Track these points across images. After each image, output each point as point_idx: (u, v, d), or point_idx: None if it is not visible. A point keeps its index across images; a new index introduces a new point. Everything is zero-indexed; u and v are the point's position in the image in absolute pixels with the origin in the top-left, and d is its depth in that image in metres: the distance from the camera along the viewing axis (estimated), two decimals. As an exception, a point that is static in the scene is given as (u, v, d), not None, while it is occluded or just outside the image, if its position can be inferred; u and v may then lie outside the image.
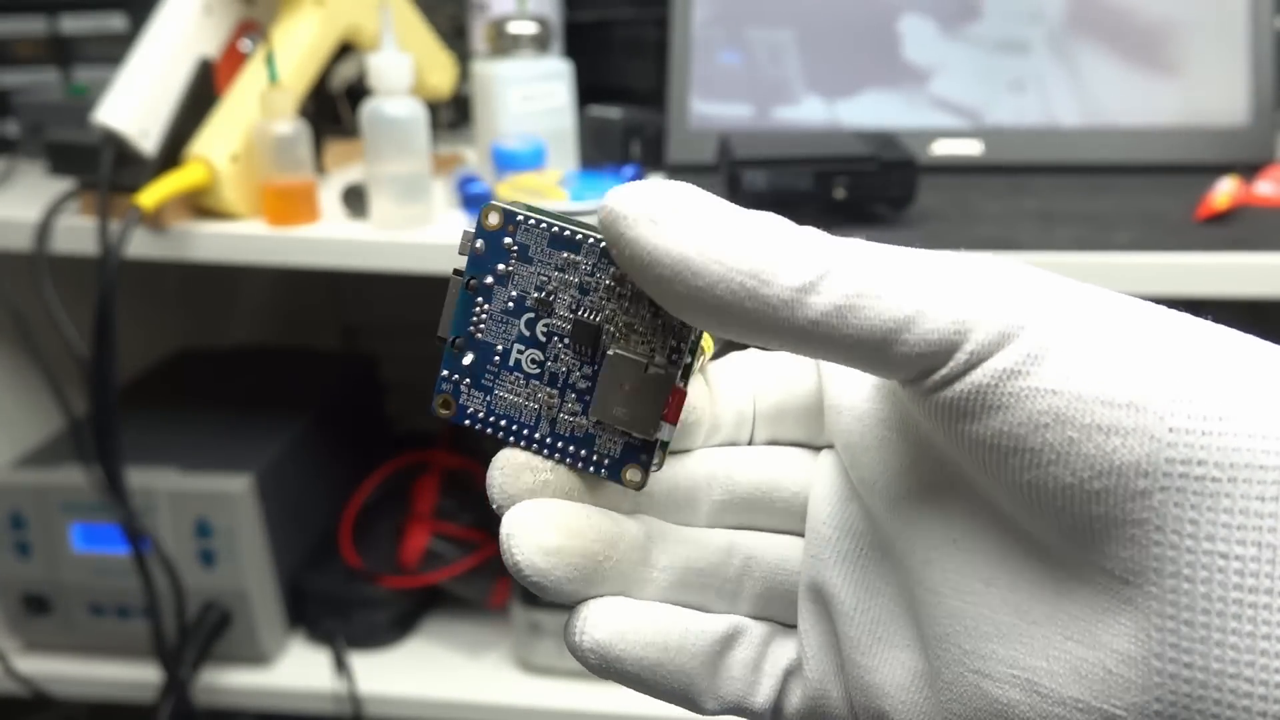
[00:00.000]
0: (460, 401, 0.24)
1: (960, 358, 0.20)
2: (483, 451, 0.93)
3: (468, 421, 0.24)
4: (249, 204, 0.77)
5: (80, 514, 0.84)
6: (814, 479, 0.25)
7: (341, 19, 0.81)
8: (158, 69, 0.75)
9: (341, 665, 0.86)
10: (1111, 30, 0.86)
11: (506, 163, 0.76)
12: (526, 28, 0.80)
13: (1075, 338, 0.19)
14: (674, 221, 0.20)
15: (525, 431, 0.24)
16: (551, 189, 0.71)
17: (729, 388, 0.26)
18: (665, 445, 0.24)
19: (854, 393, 0.24)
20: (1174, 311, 0.20)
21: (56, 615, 0.87)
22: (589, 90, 0.88)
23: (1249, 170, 0.78)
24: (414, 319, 0.72)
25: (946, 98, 0.88)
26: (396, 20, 0.77)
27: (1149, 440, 0.18)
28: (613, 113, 0.88)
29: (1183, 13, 0.85)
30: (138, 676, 0.86)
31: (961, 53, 0.87)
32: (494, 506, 0.24)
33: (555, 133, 0.80)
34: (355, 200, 0.77)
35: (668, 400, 0.23)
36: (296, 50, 0.78)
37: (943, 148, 0.87)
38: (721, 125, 0.88)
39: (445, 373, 0.24)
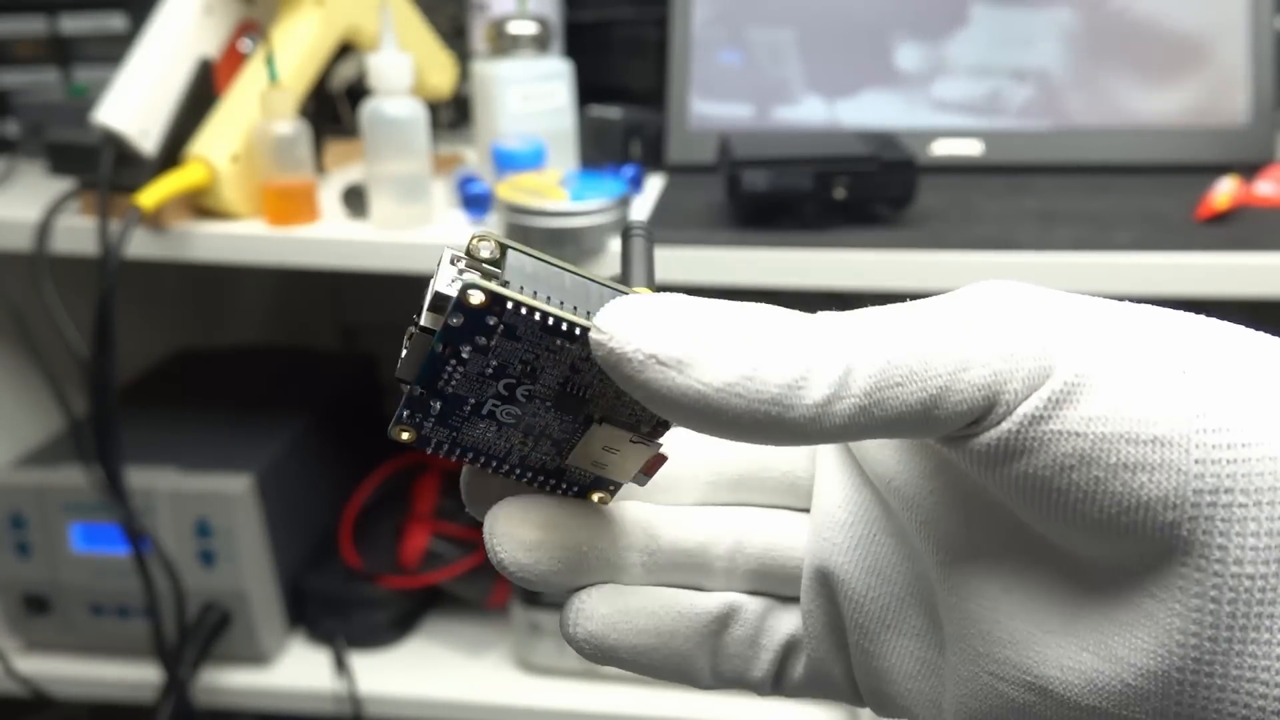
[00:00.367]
0: (423, 434, 0.22)
1: (991, 418, 0.19)
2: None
3: (430, 450, 0.23)
4: (249, 204, 0.77)
5: (80, 514, 0.84)
6: (821, 460, 0.25)
7: (341, 19, 0.81)
8: (158, 69, 0.75)
9: (341, 665, 0.86)
10: (1112, 31, 0.86)
11: (506, 163, 0.75)
12: (526, 28, 0.80)
13: (1099, 374, 0.19)
14: (682, 361, 0.19)
15: (494, 463, 0.23)
16: (551, 189, 0.71)
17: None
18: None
19: None
20: (1192, 319, 0.20)
21: (56, 615, 0.87)
22: (589, 90, 0.88)
23: (1249, 170, 0.78)
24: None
25: (946, 98, 0.88)
26: (396, 20, 0.77)
27: (1175, 474, 0.18)
28: (613, 113, 0.88)
29: (1183, 13, 0.85)
30: (138, 676, 0.86)
31: (961, 53, 0.87)
32: (472, 514, 0.24)
33: (555, 133, 0.80)
34: (355, 200, 0.77)
35: (647, 460, 0.23)
36: (296, 50, 0.78)
37: (943, 148, 0.87)
38: (721, 125, 0.88)
39: (407, 413, 0.22)
